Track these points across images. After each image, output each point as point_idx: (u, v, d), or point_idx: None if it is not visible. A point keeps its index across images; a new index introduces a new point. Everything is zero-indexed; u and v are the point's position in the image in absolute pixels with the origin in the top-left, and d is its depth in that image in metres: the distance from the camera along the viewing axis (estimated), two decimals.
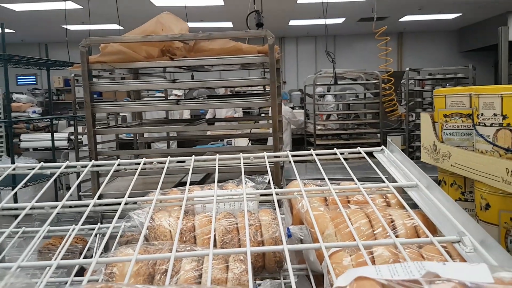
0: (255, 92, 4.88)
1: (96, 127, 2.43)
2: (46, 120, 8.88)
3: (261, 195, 0.97)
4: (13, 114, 9.66)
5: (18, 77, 13.71)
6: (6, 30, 11.78)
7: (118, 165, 1.19)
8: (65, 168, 1.18)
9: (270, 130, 2.38)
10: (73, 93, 5.89)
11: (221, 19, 10.81)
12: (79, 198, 5.16)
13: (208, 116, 7.19)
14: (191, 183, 1.13)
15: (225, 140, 4.72)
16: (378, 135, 6.49)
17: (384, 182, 0.94)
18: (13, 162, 4.71)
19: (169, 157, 1.28)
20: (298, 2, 9.41)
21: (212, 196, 0.96)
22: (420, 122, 1.29)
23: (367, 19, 11.68)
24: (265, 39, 2.30)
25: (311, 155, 1.17)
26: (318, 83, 6.93)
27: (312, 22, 11.80)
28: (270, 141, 5.67)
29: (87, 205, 0.91)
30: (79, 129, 6.48)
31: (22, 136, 7.38)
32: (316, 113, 6.51)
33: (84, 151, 6.53)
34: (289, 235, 0.91)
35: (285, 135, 6.46)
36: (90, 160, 2.44)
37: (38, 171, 1.20)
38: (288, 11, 10.35)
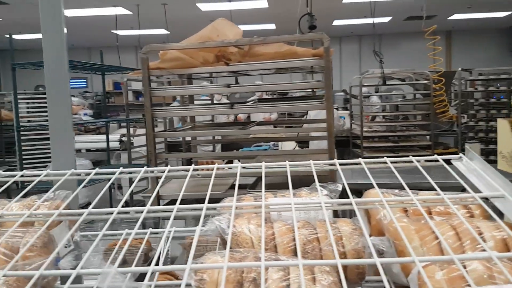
0: (297, 95, 4.86)
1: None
2: (99, 123, 9.26)
3: (339, 204, 0.97)
4: None
5: (70, 81, 14.29)
6: None
7: (169, 171, 1.21)
8: (119, 174, 1.19)
9: (313, 133, 2.37)
10: (125, 97, 6.09)
11: (264, 21, 10.85)
12: (132, 197, 5.33)
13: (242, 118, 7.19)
14: (243, 186, 1.15)
15: (271, 143, 4.73)
16: (428, 137, 6.30)
17: (467, 191, 0.92)
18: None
19: (216, 164, 1.30)
20: (343, 1, 9.30)
21: (289, 204, 0.96)
22: (497, 129, 1.24)
23: (415, 18, 11.38)
24: (314, 42, 2.29)
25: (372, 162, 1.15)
26: (364, 84, 6.81)
27: (357, 22, 11.63)
28: (312, 144, 5.63)
29: (171, 210, 0.94)
30: (131, 131, 6.71)
31: (76, 138, 7.69)
32: (363, 115, 6.40)
33: (135, 152, 6.74)
34: None
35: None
36: (149, 162, 2.53)
37: (94, 177, 1.21)
38: (333, 12, 10.26)
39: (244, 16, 9.92)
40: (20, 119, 8.70)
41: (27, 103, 9.33)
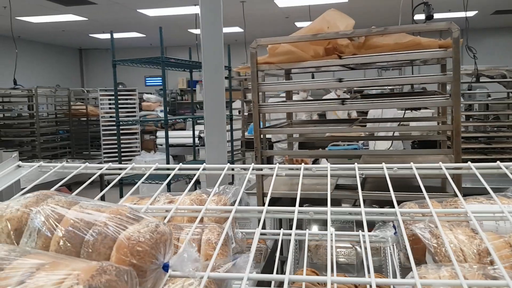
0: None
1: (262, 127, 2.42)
2: (179, 120, 9.48)
3: None
4: (143, 113, 10.49)
5: (147, 78, 14.84)
6: (138, 35, 12.85)
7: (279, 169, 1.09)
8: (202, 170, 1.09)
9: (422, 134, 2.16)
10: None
11: None
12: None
13: (306, 117, 6.93)
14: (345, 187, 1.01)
15: (360, 142, 4.50)
16: None
17: None
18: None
19: (329, 164, 1.16)
20: None
21: (500, 212, 0.82)
22: None
23: (503, 12, 10.59)
24: (434, 33, 2.09)
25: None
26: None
27: (442, 16, 11.00)
28: (381, 145, 5.33)
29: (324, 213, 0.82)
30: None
31: (158, 133, 7.92)
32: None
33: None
34: None
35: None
36: (256, 159, 2.45)
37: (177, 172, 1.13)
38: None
39: (323, 11, 9.70)
40: (103, 115, 9.14)
41: (109, 99, 9.79)
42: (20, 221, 0.66)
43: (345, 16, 2.52)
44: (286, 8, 9.32)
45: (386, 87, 6.61)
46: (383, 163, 1.11)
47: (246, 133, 7.59)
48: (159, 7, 9.25)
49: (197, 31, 9.88)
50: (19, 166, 1.22)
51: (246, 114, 7.83)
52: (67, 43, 14.37)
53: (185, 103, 14.38)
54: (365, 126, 3.23)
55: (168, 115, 9.91)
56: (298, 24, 10.64)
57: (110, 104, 9.69)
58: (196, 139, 7.69)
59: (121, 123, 4.96)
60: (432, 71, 2.57)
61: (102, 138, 8.76)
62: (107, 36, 12.81)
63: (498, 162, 1.04)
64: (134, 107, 8.90)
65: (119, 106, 7.97)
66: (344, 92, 8.05)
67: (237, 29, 11.28)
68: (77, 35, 12.44)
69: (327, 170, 1.09)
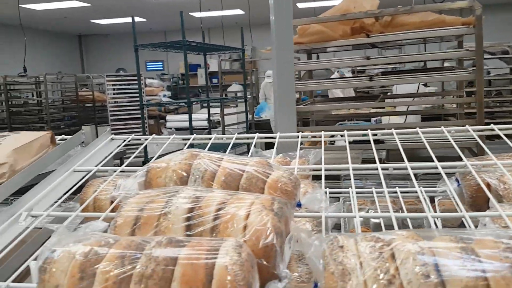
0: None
1: None
2: (178, 103, 9.59)
3: None
4: (146, 98, 10.59)
5: (147, 63, 14.86)
6: (139, 19, 12.84)
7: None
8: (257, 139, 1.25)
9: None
10: (220, 77, 6.27)
11: None
12: None
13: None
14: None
15: (374, 119, 4.66)
16: None
17: None
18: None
19: (369, 130, 1.31)
20: None
21: None
22: None
23: None
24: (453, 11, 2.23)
25: None
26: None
27: None
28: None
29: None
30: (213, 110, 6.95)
31: (168, 117, 8.03)
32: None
33: (219, 131, 7.00)
34: None
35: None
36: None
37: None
38: None
39: None
40: (109, 100, 9.23)
41: (113, 85, 9.86)
42: (184, 171, 0.82)
43: None
44: None
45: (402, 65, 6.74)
46: (417, 128, 1.27)
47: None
48: None
49: (200, 14, 9.92)
50: (112, 139, 1.37)
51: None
52: (67, 30, 14.35)
53: (185, 87, 14.43)
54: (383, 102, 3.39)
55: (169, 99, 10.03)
56: (299, 5, 10.68)
57: (114, 89, 9.79)
58: (205, 122, 7.84)
59: (143, 106, 5.08)
60: (443, 49, 2.73)
61: (110, 123, 8.87)
62: (108, 21, 12.83)
63: None
64: (138, 92, 9.01)
65: (125, 91, 8.08)
66: (348, 71, 8.19)
67: (238, 11, 11.33)
68: (78, 21, 12.43)
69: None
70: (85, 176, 1.12)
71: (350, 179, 1.01)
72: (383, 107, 3.95)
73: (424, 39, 2.70)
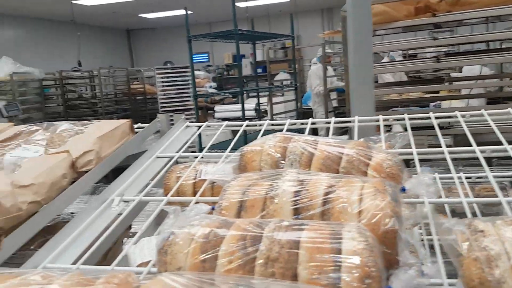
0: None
1: None
2: (222, 94, 9.66)
3: None
4: None
5: (193, 56, 15.02)
6: (183, 12, 12.98)
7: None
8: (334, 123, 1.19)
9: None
10: (268, 65, 6.20)
11: None
12: None
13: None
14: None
15: (433, 104, 4.48)
16: None
17: None
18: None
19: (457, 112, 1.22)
20: None
21: None
22: None
23: None
24: None
25: None
26: None
27: None
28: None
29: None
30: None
31: (216, 107, 8.10)
32: None
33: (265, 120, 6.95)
34: None
35: None
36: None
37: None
38: None
39: None
40: (159, 92, 9.43)
41: (162, 78, 10.06)
42: (278, 153, 0.80)
43: None
44: None
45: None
46: (482, 110, 1.19)
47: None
48: None
49: (245, 4, 9.91)
50: (187, 126, 1.38)
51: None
52: (116, 25, 14.74)
53: (231, 77, 14.53)
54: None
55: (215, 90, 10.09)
56: None
57: (163, 82, 10.00)
58: (253, 112, 7.84)
59: (197, 97, 5.13)
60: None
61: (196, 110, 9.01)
62: (156, 15, 13.06)
63: None
64: (189, 84, 9.13)
65: (174, 83, 8.21)
66: (399, 55, 7.90)
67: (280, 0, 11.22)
68: (126, 16, 12.74)
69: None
70: (168, 162, 1.13)
71: (416, 166, 0.94)
72: (438, 92, 3.81)
73: (487, 18, 2.55)
